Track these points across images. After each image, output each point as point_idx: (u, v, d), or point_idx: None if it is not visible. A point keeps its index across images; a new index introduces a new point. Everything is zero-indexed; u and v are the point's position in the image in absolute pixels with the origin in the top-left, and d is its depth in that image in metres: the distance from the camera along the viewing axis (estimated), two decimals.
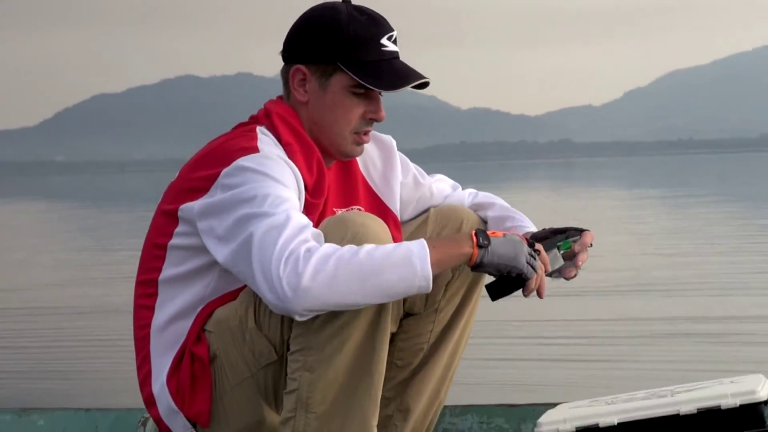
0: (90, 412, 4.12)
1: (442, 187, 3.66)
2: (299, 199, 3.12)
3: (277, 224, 2.90)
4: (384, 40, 3.21)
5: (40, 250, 20.35)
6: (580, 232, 3.41)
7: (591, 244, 3.40)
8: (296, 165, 3.15)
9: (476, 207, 3.63)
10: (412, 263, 2.90)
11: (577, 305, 9.02)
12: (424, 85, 3.24)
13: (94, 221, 31.65)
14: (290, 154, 3.15)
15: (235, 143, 3.12)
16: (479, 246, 3.00)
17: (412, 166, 3.60)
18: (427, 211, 3.58)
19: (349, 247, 2.89)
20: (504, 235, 3.07)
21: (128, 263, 14.62)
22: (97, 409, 4.16)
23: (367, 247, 2.90)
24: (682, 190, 39.16)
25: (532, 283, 3.10)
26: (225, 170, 3.04)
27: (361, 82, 3.17)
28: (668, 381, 5.68)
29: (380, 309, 3.03)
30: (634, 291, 10.60)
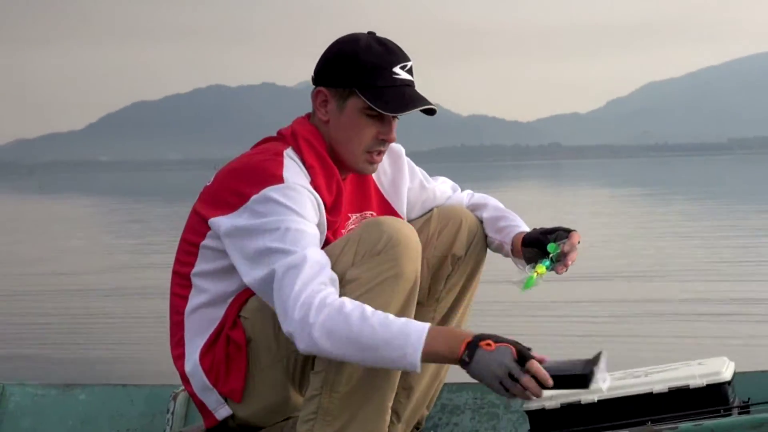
0: (126, 387, 4.11)
1: (444, 189, 3.66)
2: (319, 221, 3.12)
3: (296, 264, 2.91)
4: (397, 69, 3.19)
5: (91, 239, 20.42)
6: (567, 232, 3.39)
7: (579, 242, 3.40)
8: (317, 185, 3.15)
9: (473, 207, 3.62)
10: (404, 350, 2.84)
11: (565, 288, 9.03)
12: (432, 111, 3.22)
13: (137, 214, 31.70)
14: (313, 176, 3.15)
15: (266, 167, 3.11)
16: (461, 362, 2.87)
17: (419, 171, 3.59)
18: (431, 210, 3.58)
19: (360, 313, 2.86)
20: (497, 348, 2.87)
21: (166, 252, 14.66)
22: (133, 384, 4.15)
23: (375, 319, 2.85)
24: (657, 189, 39.13)
25: (508, 400, 3.06)
26: (254, 197, 3.04)
27: (370, 104, 3.16)
28: (643, 359, 5.75)
29: (406, 302, 3.04)
30: (616, 277, 10.60)
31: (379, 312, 2.88)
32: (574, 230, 3.40)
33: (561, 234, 3.39)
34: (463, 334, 2.89)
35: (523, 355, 2.83)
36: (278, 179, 3.07)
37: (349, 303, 2.87)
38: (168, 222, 25.72)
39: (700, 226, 18.39)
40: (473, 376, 2.88)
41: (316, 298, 2.87)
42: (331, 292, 2.90)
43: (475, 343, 2.85)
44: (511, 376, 2.83)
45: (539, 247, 3.38)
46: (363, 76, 3.16)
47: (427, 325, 2.87)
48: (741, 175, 56.34)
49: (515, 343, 2.86)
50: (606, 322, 7.76)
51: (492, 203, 3.63)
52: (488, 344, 2.84)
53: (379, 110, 3.16)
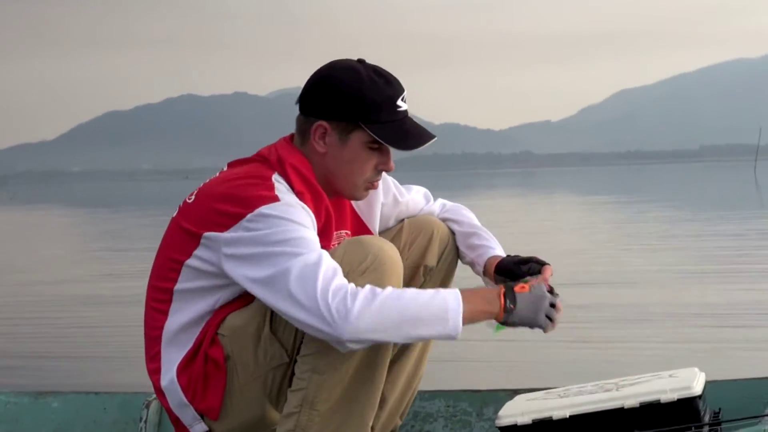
0: (99, 395, 4.11)
1: (417, 199, 3.68)
2: None
3: (312, 262, 2.91)
4: (399, 102, 3.22)
5: (65, 248, 20.34)
6: (541, 265, 3.41)
7: (551, 275, 3.42)
8: None
9: (445, 218, 3.65)
10: (446, 318, 2.92)
11: None
12: (432, 141, 3.28)
13: (111, 223, 31.59)
14: (302, 201, 3.13)
15: (255, 190, 3.10)
16: (506, 310, 3.04)
17: (392, 184, 3.60)
18: (402, 221, 3.60)
19: (392, 291, 2.91)
20: (531, 288, 3.10)
21: (140, 260, 14.62)
22: (105, 392, 4.15)
23: (408, 293, 2.92)
24: (630, 196, 39.24)
25: (548, 329, 3.15)
26: (249, 215, 3.02)
27: (381, 141, 3.19)
28: (614, 365, 5.77)
29: None
30: (587, 283, 10.60)
31: (407, 289, 2.95)
32: (547, 264, 3.43)
33: (534, 267, 3.43)
34: (493, 289, 3.06)
35: (550, 286, 3.16)
36: (272, 199, 3.06)
37: (374, 288, 2.90)
38: (143, 231, 25.65)
39: (670, 233, 18.47)
40: (519, 320, 3.06)
41: (346, 286, 2.88)
42: (351, 284, 2.91)
43: (510, 289, 3.05)
44: (552, 305, 3.10)
45: (512, 277, 3.41)
46: (369, 111, 3.17)
47: (457, 290, 2.97)
48: (711, 182, 56.52)
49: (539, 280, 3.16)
50: (577, 327, 7.78)
51: (465, 216, 3.66)
52: (522, 287, 3.07)
53: (392, 147, 3.20)
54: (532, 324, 3.08)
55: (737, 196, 35.83)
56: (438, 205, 3.72)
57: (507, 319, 3.03)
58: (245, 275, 3.00)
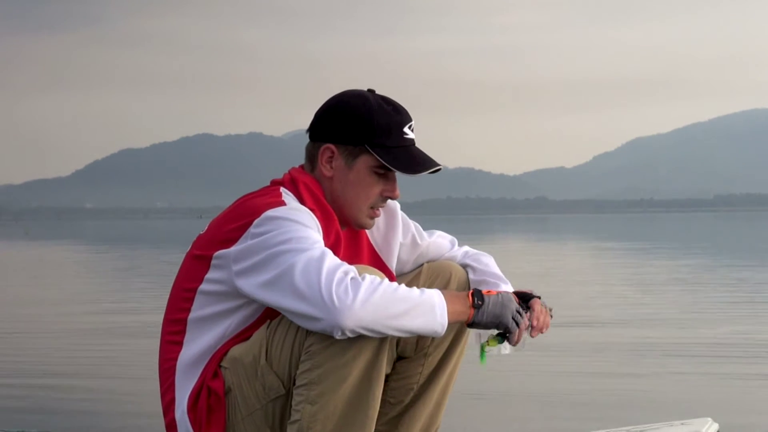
0: None
1: (441, 243, 3.71)
2: None
3: (316, 257, 2.96)
4: (406, 129, 3.29)
5: (85, 284, 20.33)
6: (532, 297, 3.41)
7: (549, 307, 3.43)
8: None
9: (464, 264, 3.67)
10: (434, 313, 3.00)
11: (564, 335, 9.03)
12: (437, 170, 3.31)
13: (128, 260, 31.58)
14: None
15: (261, 200, 3.17)
16: (474, 306, 3.10)
17: (413, 227, 3.65)
18: (421, 266, 3.63)
19: (388, 284, 2.97)
20: (498, 293, 3.18)
21: (154, 298, 14.61)
22: None
23: (402, 288, 2.98)
24: (642, 244, 39.16)
25: (515, 336, 3.19)
26: (255, 221, 3.08)
27: (385, 164, 3.24)
28: (628, 412, 5.75)
29: (378, 351, 3.08)
30: (602, 325, 10.56)
31: (398, 284, 3.00)
32: (537, 297, 3.44)
33: (526, 295, 3.43)
34: (463, 292, 3.17)
35: (523, 297, 3.31)
36: (278, 204, 3.13)
37: (375, 278, 2.96)
38: (153, 269, 25.65)
39: (683, 279, 18.42)
40: (488, 317, 3.14)
41: (348, 275, 2.93)
42: (354, 273, 2.96)
43: (477, 291, 3.14)
44: (518, 312, 3.19)
45: None
46: (376, 135, 3.24)
47: (437, 290, 3.06)
48: (725, 232, 56.39)
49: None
50: (592, 373, 7.75)
51: (483, 263, 3.68)
52: (488, 292, 3.18)
53: (393, 169, 3.25)
54: (499, 322, 3.15)
55: (754, 244, 35.75)
56: (461, 252, 3.74)
57: (476, 317, 3.12)
58: (255, 283, 3.04)
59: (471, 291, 3.14)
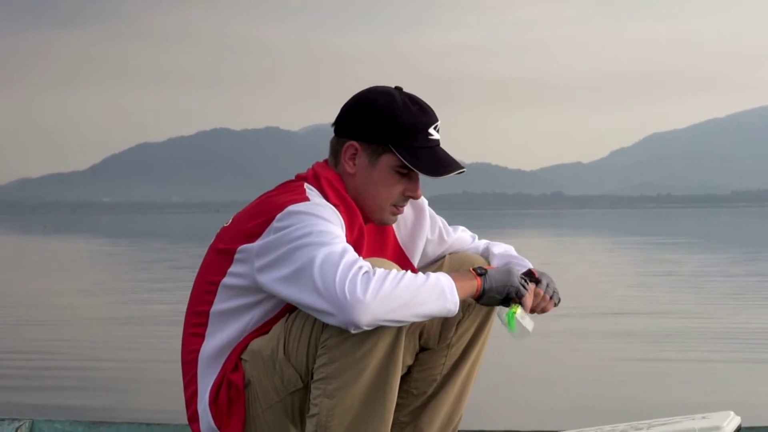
0: (150, 426, 4.15)
1: (464, 238, 3.72)
2: None
3: (336, 251, 2.98)
4: (431, 130, 3.28)
5: (95, 280, 20.38)
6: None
7: (545, 283, 3.42)
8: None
9: (486, 253, 3.68)
10: (445, 295, 3.02)
11: (567, 331, 9.03)
12: (461, 172, 3.32)
13: (139, 256, 31.64)
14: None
15: (285, 196, 3.19)
16: (479, 275, 3.15)
17: (440, 222, 3.66)
18: (443, 257, 3.65)
19: (396, 272, 2.98)
20: (497, 268, 3.24)
21: (173, 291, 14.62)
22: (156, 423, 4.19)
23: (407, 276, 2.99)
24: (658, 239, 39.07)
25: (528, 300, 3.23)
26: (278, 216, 3.10)
27: (408, 165, 3.24)
28: (649, 407, 5.75)
29: (394, 343, 3.09)
30: (600, 318, 10.52)
31: (404, 272, 3.01)
32: (541, 273, 3.46)
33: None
34: (464, 269, 3.23)
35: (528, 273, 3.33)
36: (302, 199, 3.15)
37: (383, 270, 2.97)
38: (171, 263, 25.68)
39: (702, 273, 18.37)
40: (496, 285, 3.17)
41: (361, 271, 2.94)
42: (368, 267, 2.98)
43: (478, 266, 3.21)
44: (524, 279, 3.25)
45: None
46: (401, 135, 3.23)
47: (442, 273, 3.09)
48: (742, 228, 56.22)
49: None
50: (614, 365, 7.76)
51: (502, 248, 3.69)
52: (489, 267, 3.27)
53: (416, 170, 3.24)
54: (508, 287, 3.19)
55: None
56: (482, 243, 3.75)
57: (485, 284, 3.16)
58: (273, 278, 3.06)
59: (473, 267, 3.20)
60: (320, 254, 2.97)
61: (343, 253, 2.97)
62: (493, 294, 3.18)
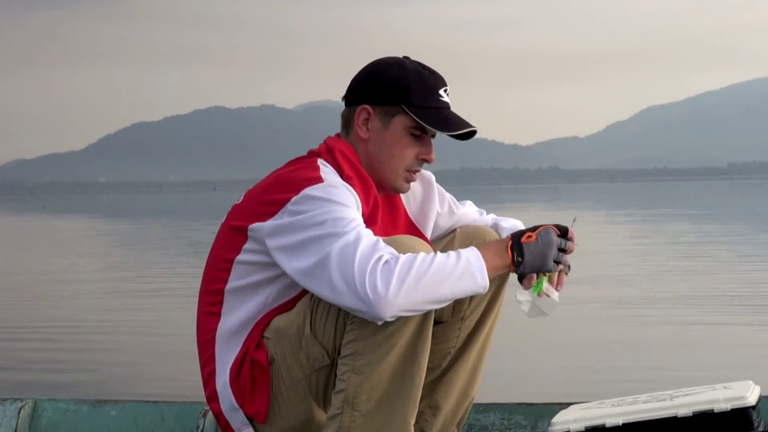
0: (157, 404, 4.12)
1: (470, 212, 3.70)
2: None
3: (351, 241, 2.93)
4: (441, 92, 3.28)
5: (95, 258, 20.40)
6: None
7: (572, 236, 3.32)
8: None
9: (496, 226, 3.64)
10: (474, 275, 2.97)
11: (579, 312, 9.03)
12: (473, 133, 3.28)
13: (137, 235, 31.70)
14: (350, 186, 3.17)
15: (301, 173, 3.14)
16: (514, 263, 3.08)
17: (448, 197, 3.64)
18: (453, 231, 3.61)
19: (422, 259, 2.93)
20: (538, 236, 3.11)
21: (180, 269, 14.65)
22: (163, 401, 4.16)
23: (436, 261, 2.94)
24: (656, 211, 39.19)
25: (554, 276, 3.19)
26: (293, 198, 3.06)
27: (421, 122, 3.22)
28: (668, 380, 5.73)
29: (424, 321, 3.06)
30: (607, 302, 10.52)
31: (432, 255, 2.96)
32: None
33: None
34: (502, 242, 3.11)
35: (561, 228, 3.16)
36: (316, 180, 3.11)
37: (408, 256, 2.93)
38: (169, 242, 25.73)
39: (698, 245, 18.40)
40: (530, 269, 3.10)
41: (381, 261, 2.90)
42: (389, 254, 2.93)
43: (516, 242, 3.09)
44: (560, 249, 3.13)
45: None
46: (412, 95, 3.23)
47: (474, 248, 3.03)
48: (738, 199, 56.38)
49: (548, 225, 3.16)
50: (635, 339, 7.76)
51: (510, 222, 3.66)
52: (528, 236, 3.10)
53: (429, 127, 3.24)
54: (542, 270, 3.12)
55: None
56: (490, 217, 3.74)
57: (518, 270, 3.10)
58: (293, 267, 3.04)
59: (510, 242, 3.09)
60: (336, 247, 2.93)
61: (357, 241, 2.93)
62: (525, 272, 3.13)
